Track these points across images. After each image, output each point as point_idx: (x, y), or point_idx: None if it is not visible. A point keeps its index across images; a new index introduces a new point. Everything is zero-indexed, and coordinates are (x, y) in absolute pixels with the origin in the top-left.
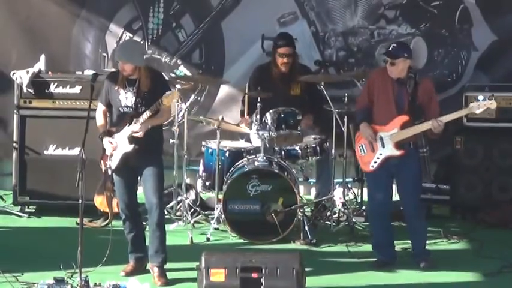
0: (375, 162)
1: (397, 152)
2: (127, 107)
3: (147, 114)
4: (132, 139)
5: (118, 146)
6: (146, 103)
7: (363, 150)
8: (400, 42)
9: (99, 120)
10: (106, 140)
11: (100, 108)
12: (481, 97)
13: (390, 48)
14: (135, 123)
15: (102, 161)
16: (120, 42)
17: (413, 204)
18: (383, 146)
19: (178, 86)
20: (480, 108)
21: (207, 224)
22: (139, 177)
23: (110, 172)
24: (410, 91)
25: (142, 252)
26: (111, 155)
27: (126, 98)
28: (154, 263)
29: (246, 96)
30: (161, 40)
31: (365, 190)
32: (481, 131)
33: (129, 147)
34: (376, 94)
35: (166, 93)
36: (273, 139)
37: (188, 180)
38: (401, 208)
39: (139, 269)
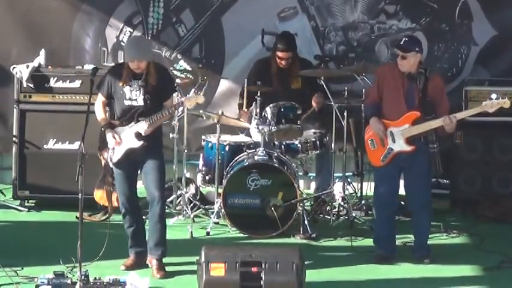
0: (385, 157)
1: (408, 148)
2: (132, 100)
3: (161, 116)
4: (139, 136)
5: (123, 141)
6: (153, 98)
7: (373, 144)
8: (412, 36)
9: (99, 112)
10: (110, 133)
11: (100, 99)
12: (494, 95)
13: (402, 42)
14: (147, 123)
15: (100, 153)
16: (128, 40)
17: (422, 200)
18: (393, 141)
19: (178, 81)
20: (493, 107)
21: (207, 218)
22: (139, 171)
23: (110, 165)
24: (421, 87)
25: (142, 247)
26: (113, 148)
27: (131, 92)
28: (154, 255)
29: (245, 89)
30: (161, 35)
31: (365, 184)
32: (481, 126)
33: (137, 144)
34: (386, 89)
35: (188, 96)
36: (273, 133)
37: (188, 175)
38: (405, 203)
39: (140, 263)
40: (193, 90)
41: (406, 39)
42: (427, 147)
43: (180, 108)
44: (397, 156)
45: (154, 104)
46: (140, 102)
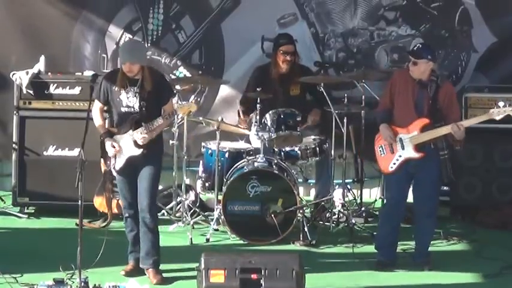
0: (394, 163)
1: (417, 155)
2: (129, 107)
3: (157, 124)
4: (138, 144)
5: (123, 149)
6: (149, 105)
7: (383, 151)
8: (426, 44)
9: (97, 119)
10: (108, 142)
11: (97, 106)
12: (501, 103)
13: (415, 48)
14: (143, 132)
15: (103, 161)
16: (123, 43)
17: (428, 206)
18: (403, 148)
19: (178, 87)
20: (500, 115)
21: (207, 225)
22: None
23: (114, 173)
24: (432, 94)
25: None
26: (115, 156)
27: (128, 98)
28: (146, 265)
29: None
30: (161, 41)
31: (365, 191)
32: (481, 132)
33: (137, 152)
34: (396, 95)
35: (183, 103)
36: (273, 140)
37: (188, 181)
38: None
39: (139, 269)
40: (192, 96)
41: (420, 45)
42: (437, 154)
43: (177, 116)
44: (406, 163)
45: (151, 111)
46: (137, 109)
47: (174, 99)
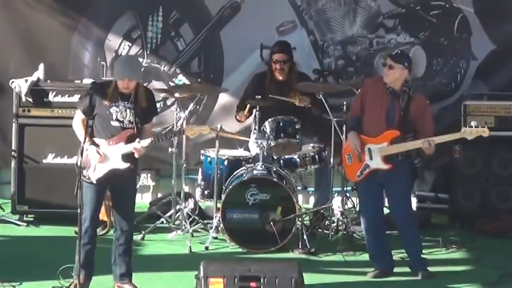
0: (361, 172)
1: (385, 166)
2: (119, 121)
3: (163, 138)
4: (126, 157)
5: (108, 160)
6: (141, 121)
7: (350, 159)
8: (405, 52)
9: (80, 129)
10: (93, 149)
11: (79, 117)
12: (473, 123)
13: (393, 52)
14: (144, 143)
15: (78, 166)
16: (119, 59)
17: (404, 215)
18: (371, 158)
19: (177, 95)
20: (472, 135)
21: (206, 233)
22: (108, 191)
23: (89, 180)
24: (403, 105)
25: (93, 267)
26: (95, 166)
27: (119, 112)
28: (124, 281)
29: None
30: (160, 49)
31: None
32: (480, 140)
33: (124, 165)
34: (368, 102)
35: (191, 125)
36: (272, 148)
37: (187, 189)
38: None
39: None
40: (191, 104)
41: (399, 51)
42: (405, 165)
43: (179, 122)
44: (374, 172)
45: (142, 127)
46: (128, 124)
47: (175, 107)
